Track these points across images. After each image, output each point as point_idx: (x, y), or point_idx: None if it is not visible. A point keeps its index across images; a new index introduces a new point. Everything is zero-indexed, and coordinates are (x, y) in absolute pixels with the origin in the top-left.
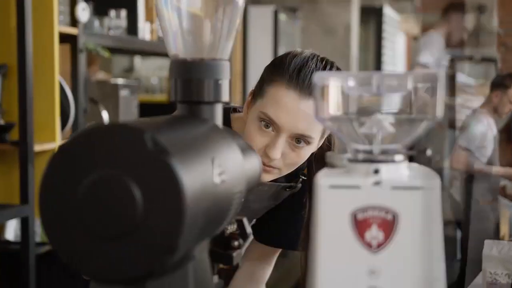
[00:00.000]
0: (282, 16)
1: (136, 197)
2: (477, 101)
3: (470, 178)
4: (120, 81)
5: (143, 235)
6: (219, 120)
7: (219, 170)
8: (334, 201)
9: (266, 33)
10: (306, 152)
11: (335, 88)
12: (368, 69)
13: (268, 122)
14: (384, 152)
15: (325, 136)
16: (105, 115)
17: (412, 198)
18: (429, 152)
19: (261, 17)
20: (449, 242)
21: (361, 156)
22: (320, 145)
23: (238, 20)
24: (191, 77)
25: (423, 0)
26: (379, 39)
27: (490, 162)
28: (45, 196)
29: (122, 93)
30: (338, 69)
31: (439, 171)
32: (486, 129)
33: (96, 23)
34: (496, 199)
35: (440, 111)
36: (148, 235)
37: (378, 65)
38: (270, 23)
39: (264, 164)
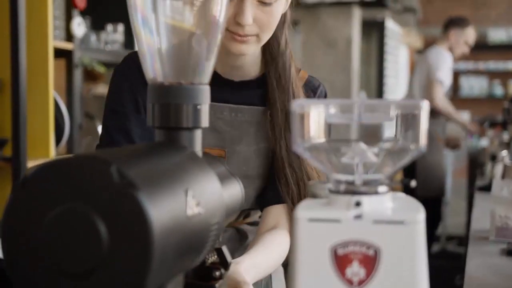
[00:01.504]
0: None
1: (101, 233)
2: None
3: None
4: None
5: (109, 272)
6: (198, 146)
7: (194, 202)
8: (314, 235)
9: None
10: (277, 9)
11: (315, 116)
12: (370, 82)
13: None
14: (366, 182)
15: None
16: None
17: (395, 233)
18: (413, 183)
19: None
20: None
21: (342, 187)
22: (289, 2)
23: (219, 40)
24: (169, 101)
25: (425, 14)
26: (381, 52)
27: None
28: (7, 230)
29: None
30: None
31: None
32: (450, 64)
33: (93, 37)
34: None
35: (423, 141)
36: (114, 273)
37: (380, 78)
38: None
39: (239, 35)
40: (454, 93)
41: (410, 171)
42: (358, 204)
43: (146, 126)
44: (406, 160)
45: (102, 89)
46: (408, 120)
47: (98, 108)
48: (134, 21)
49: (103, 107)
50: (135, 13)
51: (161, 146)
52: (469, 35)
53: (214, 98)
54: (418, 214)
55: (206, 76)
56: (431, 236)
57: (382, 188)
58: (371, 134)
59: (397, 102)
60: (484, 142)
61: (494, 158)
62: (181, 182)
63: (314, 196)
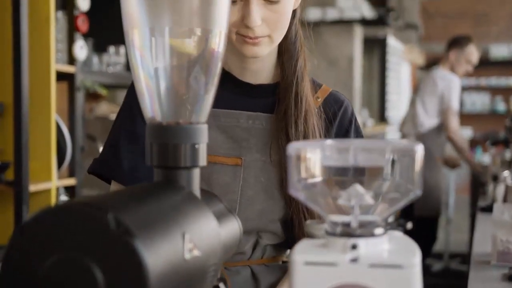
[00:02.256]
0: None
1: (98, 281)
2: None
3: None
4: None
5: None
6: (196, 185)
7: (191, 245)
8: (310, 278)
9: None
10: (285, 6)
11: (310, 158)
12: (372, 99)
13: None
14: (363, 224)
15: None
16: None
17: (391, 277)
18: (409, 225)
19: None
20: None
21: (338, 229)
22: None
23: (217, 74)
24: (167, 141)
25: (427, 30)
26: (383, 69)
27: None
28: (4, 278)
29: None
30: None
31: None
32: (459, 87)
33: (95, 59)
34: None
35: (418, 185)
36: None
37: (382, 95)
38: None
39: (250, 38)
40: None
41: (407, 209)
42: (354, 247)
43: (139, 145)
44: (402, 203)
45: (104, 108)
46: (404, 163)
47: (100, 129)
48: (132, 60)
49: (105, 128)
50: (133, 52)
51: (158, 188)
52: (470, 53)
53: (231, 104)
54: (414, 257)
55: (204, 114)
56: (427, 254)
57: (378, 230)
58: (369, 173)
59: (393, 145)
60: (486, 159)
61: (495, 178)
62: (178, 226)
63: (311, 236)
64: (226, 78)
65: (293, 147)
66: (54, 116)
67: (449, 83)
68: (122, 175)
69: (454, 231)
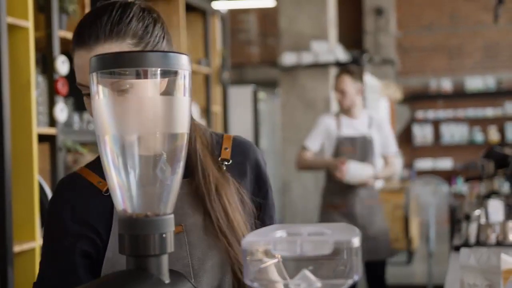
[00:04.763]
0: (262, 95)
1: None
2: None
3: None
4: None
5: None
6: (164, 269)
7: None
8: None
9: (246, 111)
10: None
11: (262, 250)
12: None
13: (85, 89)
14: None
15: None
16: None
17: None
18: None
19: (241, 96)
20: None
21: None
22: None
23: (181, 172)
24: (138, 233)
25: (403, 64)
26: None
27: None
28: None
29: None
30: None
31: None
32: (325, 128)
33: (76, 118)
34: (349, 205)
35: (358, 271)
36: None
37: None
38: (250, 102)
39: None
40: (436, 141)
41: None
42: None
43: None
44: (346, 285)
45: (89, 159)
46: (344, 252)
47: None
48: (104, 160)
49: None
50: (105, 153)
51: (129, 278)
52: (335, 85)
53: None
54: None
55: (170, 205)
56: None
57: None
58: (316, 260)
59: (333, 240)
60: (465, 189)
61: (468, 217)
62: None
63: None
64: None
65: (246, 241)
66: (37, 177)
67: (316, 121)
68: None
69: (438, 263)
